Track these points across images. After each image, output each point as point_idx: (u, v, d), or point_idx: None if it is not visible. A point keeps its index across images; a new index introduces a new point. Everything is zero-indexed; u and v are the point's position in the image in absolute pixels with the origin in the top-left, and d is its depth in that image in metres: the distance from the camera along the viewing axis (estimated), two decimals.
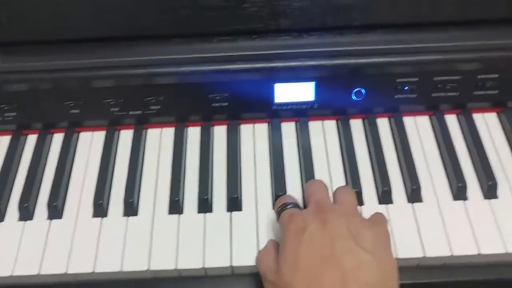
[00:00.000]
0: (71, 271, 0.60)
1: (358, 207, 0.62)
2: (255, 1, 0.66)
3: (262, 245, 0.61)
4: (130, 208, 0.65)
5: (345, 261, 0.50)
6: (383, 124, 0.72)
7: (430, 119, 0.73)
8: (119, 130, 0.73)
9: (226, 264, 0.60)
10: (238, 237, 0.62)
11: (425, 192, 0.65)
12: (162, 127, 0.73)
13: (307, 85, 0.69)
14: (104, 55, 0.68)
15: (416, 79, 0.68)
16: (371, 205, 0.64)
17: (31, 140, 0.73)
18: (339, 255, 0.50)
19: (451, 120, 0.72)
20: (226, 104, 0.70)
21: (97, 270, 0.60)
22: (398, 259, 0.59)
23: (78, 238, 0.63)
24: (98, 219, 0.64)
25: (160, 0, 0.65)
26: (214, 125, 0.73)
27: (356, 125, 0.72)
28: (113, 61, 0.67)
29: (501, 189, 0.65)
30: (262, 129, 0.73)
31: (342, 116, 0.72)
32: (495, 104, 0.72)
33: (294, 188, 0.66)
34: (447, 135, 0.70)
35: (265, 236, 0.62)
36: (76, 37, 0.68)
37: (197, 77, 0.68)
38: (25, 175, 0.69)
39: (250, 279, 0.61)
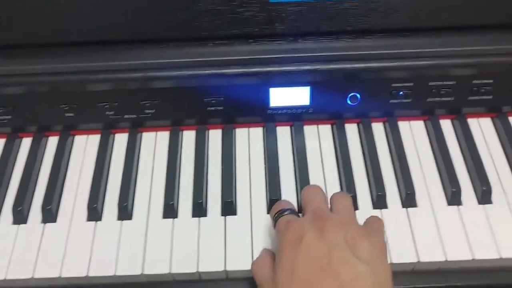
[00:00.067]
0: (65, 274, 0.60)
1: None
2: (250, 6, 0.66)
3: (257, 249, 0.61)
4: (124, 212, 0.65)
5: (342, 271, 0.50)
6: (378, 129, 0.72)
7: (425, 124, 0.73)
8: (114, 133, 0.73)
9: (220, 268, 0.60)
10: (232, 242, 0.62)
11: (419, 197, 0.65)
12: (157, 130, 0.73)
13: (302, 90, 0.69)
14: (99, 58, 0.68)
15: (411, 84, 0.68)
16: (365, 210, 0.64)
17: (26, 143, 0.73)
18: (336, 265, 0.50)
19: (446, 125, 0.72)
20: (221, 108, 0.70)
21: (91, 274, 0.60)
22: (392, 264, 0.59)
23: (72, 242, 0.62)
24: (92, 223, 0.64)
25: (156, 4, 0.65)
26: (209, 129, 0.73)
27: (351, 130, 0.72)
28: (108, 65, 0.67)
29: (495, 195, 0.65)
30: (257, 133, 0.73)
31: (337, 120, 0.72)
32: (490, 110, 0.72)
33: (288, 192, 0.66)
34: (442, 140, 0.70)
35: (260, 241, 0.62)
36: (71, 40, 0.68)
37: (192, 81, 0.68)
38: (19, 178, 0.69)
39: (244, 283, 0.61)
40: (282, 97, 0.70)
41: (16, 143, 0.73)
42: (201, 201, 0.65)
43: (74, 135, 0.73)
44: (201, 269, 0.59)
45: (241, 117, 0.72)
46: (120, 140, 0.72)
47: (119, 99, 0.69)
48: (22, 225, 0.65)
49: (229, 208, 0.64)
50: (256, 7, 0.66)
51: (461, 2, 0.66)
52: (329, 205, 0.59)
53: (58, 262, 0.61)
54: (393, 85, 0.69)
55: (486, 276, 0.61)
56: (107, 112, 0.70)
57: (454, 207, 0.64)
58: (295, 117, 0.72)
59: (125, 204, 0.65)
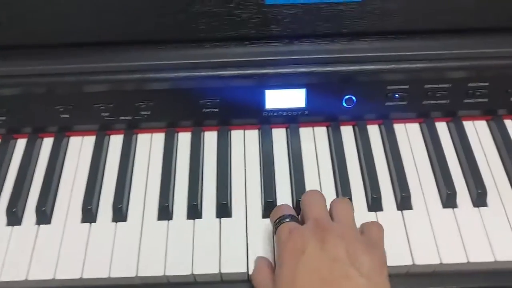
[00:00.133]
0: (59, 277, 0.60)
1: None
2: (247, 8, 0.66)
3: (252, 251, 0.61)
4: (119, 214, 0.64)
5: (343, 285, 0.50)
6: (373, 131, 0.72)
7: (421, 126, 0.73)
8: (109, 135, 0.73)
9: (215, 270, 0.59)
10: (227, 244, 0.61)
11: (414, 199, 0.65)
12: (152, 132, 0.73)
13: (298, 92, 0.69)
14: (95, 60, 0.67)
15: (407, 86, 0.69)
16: (360, 212, 0.64)
17: (21, 144, 0.72)
18: (337, 279, 0.50)
19: (442, 128, 0.72)
20: (217, 109, 0.70)
21: (85, 276, 0.60)
22: (387, 267, 0.59)
23: (66, 244, 0.62)
24: (87, 224, 0.64)
25: (152, 6, 0.65)
26: (204, 131, 0.73)
27: (347, 132, 0.72)
28: (104, 66, 0.67)
29: (490, 197, 0.65)
30: (252, 135, 0.73)
31: (332, 122, 0.72)
32: (485, 112, 0.72)
33: (284, 194, 0.66)
34: (438, 143, 0.70)
35: (255, 243, 0.61)
36: (67, 41, 0.67)
37: (188, 82, 0.68)
38: (14, 179, 0.68)
39: (239, 286, 0.61)
40: (277, 99, 0.70)
41: (11, 144, 0.72)
42: (196, 203, 0.64)
43: (69, 136, 0.73)
44: (195, 272, 0.59)
45: (236, 119, 0.72)
46: (115, 142, 0.72)
47: (114, 100, 0.69)
48: (16, 227, 0.64)
49: (224, 210, 0.64)
50: (252, 9, 0.66)
51: (457, 5, 0.66)
52: (328, 207, 0.60)
53: (52, 264, 0.60)
54: (389, 87, 0.69)
55: (481, 279, 0.61)
56: (103, 114, 0.70)
57: (449, 210, 0.64)
58: (291, 119, 0.72)
59: (120, 205, 0.64)
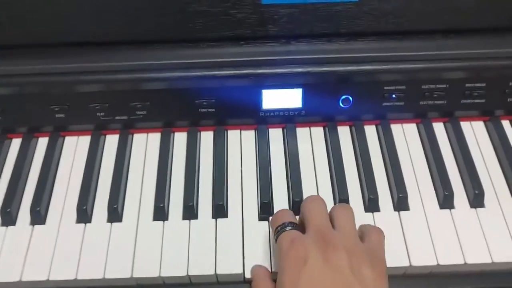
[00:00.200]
0: (53, 278, 0.59)
1: None
2: (243, 7, 0.65)
3: (248, 252, 0.60)
4: (114, 214, 0.64)
5: None
6: (370, 132, 0.72)
7: (418, 126, 0.73)
8: (105, 135, 0.73)
9: (211, 272, 0.59)
10: (223, 245, 0.61)
11: (411, 200, 0.65)
12: (148, 132, 0.72)
13: (295, 92, 0.69)
14: (90, 60, 0.67)
15: (404, 87, 0.68)
16: (357, 213, 0.63)
17: (16, 144, 0.72)
18: None
19: (439, 128, 0.72)
20: (213, 110, 0.70)
21: (80, 277, 0.59)
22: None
23: (61, 244, 0.62)
24: (82, 225, 0.64)
25: (147, 5, 0.65)
26: (200, 131, 0.72)
27: (344, 132, 0.72)
28: (99, 66, 0.67)
29: (487, 198, 0.65)
30: (249, 135, 0.72)
31: (329, 123, 0.72)
32: (482, 113, 0.72)
33: (280, 195, 0.66)
34: (435, 143, 0.70)
35: (251, 244, 0.61)
36: (62, 41, 0.67)
37: (184, 82, 0.67)
38: (8, 179, 0.68)
39: (235, 287, 0.60)
40: (274, 99, 0.69)
41: (6, 144, 0.72)
42: (192, 203, 0.64)
43: (64, 136, 0.73)
44: (191, 273, 0.59)
45: (233, 119, 0.72)
46: (111, 142, 0.72)
47: (110, 100, 0.69)
48: (10, 227, 0.64)
49: (220, 210, 0.64)
50: (248, 9, 0.65)
51: (453, 6, 0.66)
52: (329, 208, 0.59)
53: (46, 265, 0.60)
54: (386, 88, 0.68)
55: (478, 280, 0.61)
56: (98, 113, 0.70)
57: (447, 211, 0.64)
58: (288, 119, 0.72)
59: (115, 206, 0.64)
